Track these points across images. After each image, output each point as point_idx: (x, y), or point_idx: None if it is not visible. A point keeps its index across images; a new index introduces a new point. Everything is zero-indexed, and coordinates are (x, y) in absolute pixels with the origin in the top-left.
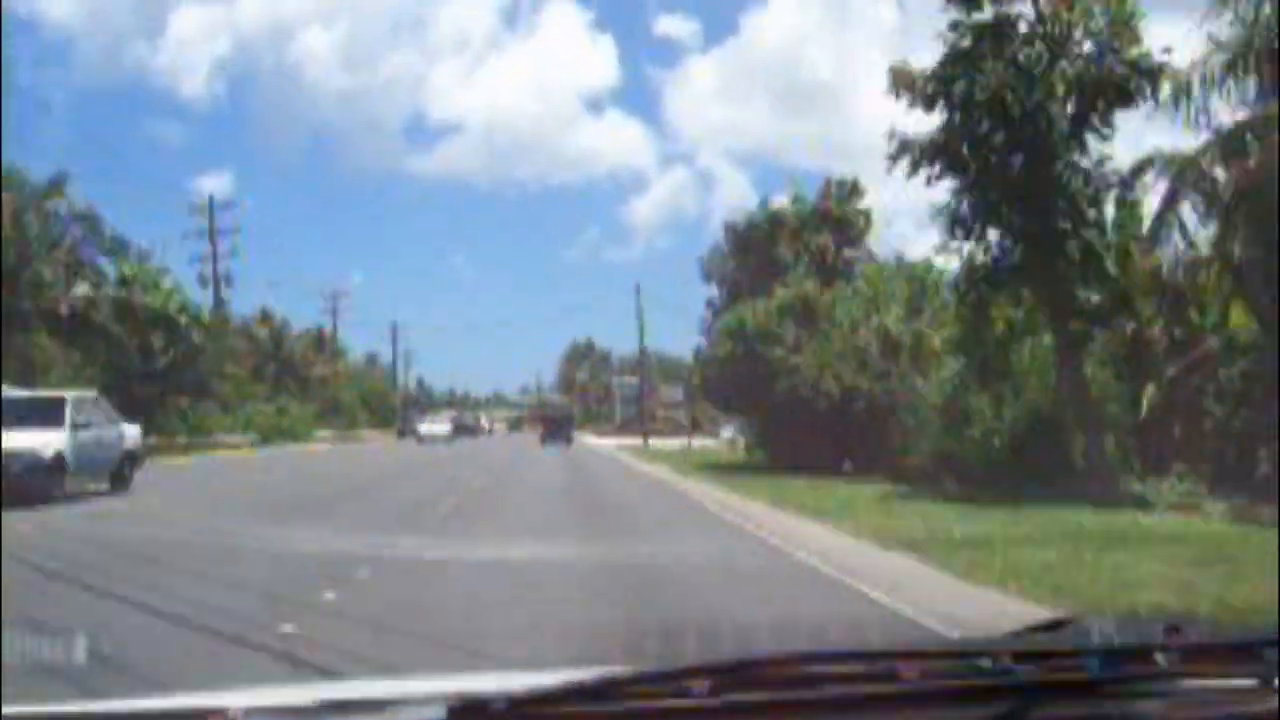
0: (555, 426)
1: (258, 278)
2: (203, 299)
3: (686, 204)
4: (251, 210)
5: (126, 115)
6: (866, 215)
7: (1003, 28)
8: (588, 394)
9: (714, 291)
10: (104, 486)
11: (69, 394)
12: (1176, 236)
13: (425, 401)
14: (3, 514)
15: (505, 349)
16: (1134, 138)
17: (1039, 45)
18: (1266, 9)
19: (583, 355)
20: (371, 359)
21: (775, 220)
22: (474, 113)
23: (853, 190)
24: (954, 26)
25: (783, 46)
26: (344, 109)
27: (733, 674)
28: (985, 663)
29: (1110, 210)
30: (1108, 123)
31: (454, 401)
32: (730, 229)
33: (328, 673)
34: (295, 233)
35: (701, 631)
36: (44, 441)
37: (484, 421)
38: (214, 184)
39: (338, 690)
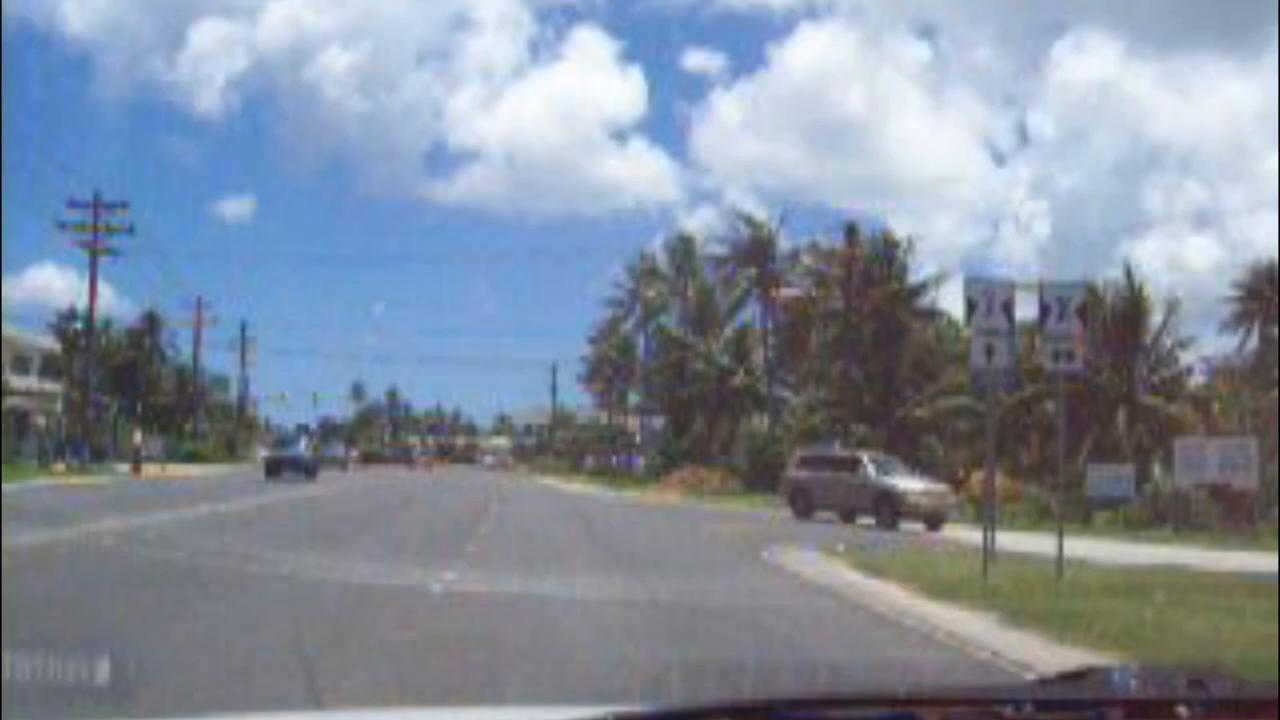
0: None
1: (266, 304)
2: None
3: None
4: (267, 233)
5: (142, 131)
6: None
7: None
8: (685, 400)
9: None
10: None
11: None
12: None
13: (388, 420)
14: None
15: (516, 372)
16: None
17: None
18: None
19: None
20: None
21: None
22: (496, 141)
23: None
24: None
25: (812, 81)
26: (363, 132)
27: (755, 715)
28: (1008, 710)
29: None
30: None
31: (440, 424)
32: None
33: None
34: (311, 257)
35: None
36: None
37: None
38: (232, 207)
39: None
